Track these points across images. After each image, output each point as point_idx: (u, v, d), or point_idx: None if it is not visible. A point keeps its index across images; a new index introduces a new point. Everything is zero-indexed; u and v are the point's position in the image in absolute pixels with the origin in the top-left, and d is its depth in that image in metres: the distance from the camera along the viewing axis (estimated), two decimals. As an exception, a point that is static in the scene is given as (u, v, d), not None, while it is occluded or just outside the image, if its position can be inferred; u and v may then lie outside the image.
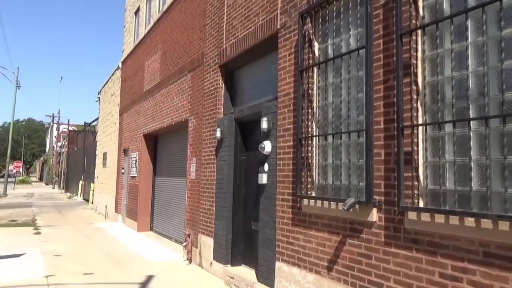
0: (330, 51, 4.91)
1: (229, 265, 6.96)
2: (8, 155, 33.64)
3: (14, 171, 44.85)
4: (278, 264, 5.42)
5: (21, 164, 51.44)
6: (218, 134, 7.24)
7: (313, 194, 4.98)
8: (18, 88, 33.69)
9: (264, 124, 5.84)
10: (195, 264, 7.97)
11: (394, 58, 3.90)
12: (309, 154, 5.02)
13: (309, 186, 5.00)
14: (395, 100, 3.86)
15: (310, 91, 5.09)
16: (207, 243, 7.58)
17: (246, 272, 6.53)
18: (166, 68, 10.75)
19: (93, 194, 21.06)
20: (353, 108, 4.49)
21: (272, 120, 5.84)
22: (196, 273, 7.43)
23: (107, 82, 19.13)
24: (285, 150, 5.44)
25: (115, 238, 11.25)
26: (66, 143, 41.50)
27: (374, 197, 3.99)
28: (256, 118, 6.56)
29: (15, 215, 16.73)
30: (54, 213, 17.85)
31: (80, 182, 27.23)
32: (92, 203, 20.88)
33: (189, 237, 8.22)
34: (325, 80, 4.91)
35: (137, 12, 14.88)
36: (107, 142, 18.34)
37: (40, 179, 73.36)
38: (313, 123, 5.07)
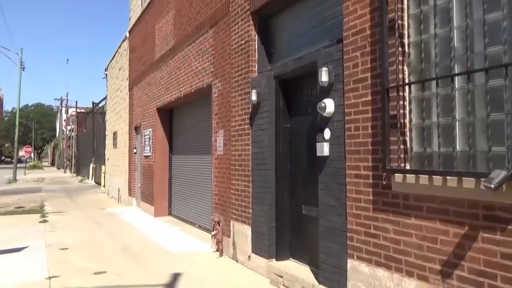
0: (433, -43, 3.38)
1: (274, 260, 5.59)
2: (16, 139, 32.53)
3: (26, 156, 43.95)
4: (352, 263, 4.02)
5: (31, 149, 50.62)
6: (253, 97, 5.78)
7: (407, 167, 3.52)
8: (23, 70, 32.38)
9: (324, 77, 4.35)
10: (227, 257, 6.62)
11: None
12: (401, 111, 3.54)
13: (401, 155, 3.54)
14: None
15: (399, 22, 3.58)
16: (242, 232, 6.20)
17: (298, 269, 5.15)
18: (181, 28, 9.23)
19: (104, 177, 19.87)
20: (479, 38, 2.99)
21: (335, 71, 4.35)
22: (232, 269, 6.07)
23: (114, 56, 17.66)
24: (359, 108, 3.96)
25: (130, 225, 9.96)
26: (75, 126, 40.33)
27: (537, 167, 2.53)
28: (306, 72, 5.08)
29: (23, 201, 15.56)
30: (63, 198, 16.66)
31: (91, 165, 26.06)
32: (104, 186, 19.70)
33: (219, 225, 6.85)
34: (425, 3, 3.39)
35: (143, -28, 13.27)
36: (116, 121, 16.99)
37: (52, 164, 72.80)
38: (405, 67, 3.57)
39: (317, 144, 4.50)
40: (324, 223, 4.48)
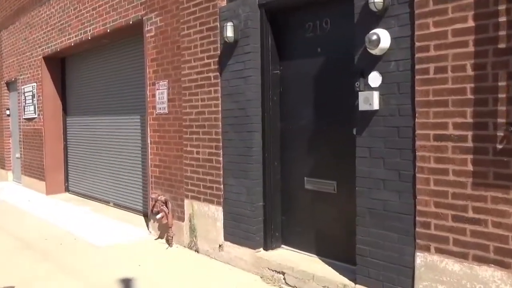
0: None
1: (261, 249, 4.27)
2: None
3: None
4: (427, 258, 2.90)
5: None
6: (228, 33, 4.19)
7: (539, 124, 2.45)
8: None
9: (378, -4, 3.02)
10: (181, 247, 5.09)
11: None
12: (539, 41, 2.42)
13: (536, 107, 2.45)
14: None
15: None
16: (207, 214, 4.72)
17: (307, 263, 3.90)
18: None
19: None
20: None
21: (393, -11, 3.04)
22: (199, 264, 4.58)
23: (-34, -9, 13.75)
24: (447, 40, 2.74)
25: (18, 208, 7.63)
26: None
27: None
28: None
29: None
30: None
31: None
32: (-41, 157, 15.88)
33: (167, 206, 5.23)
34: None
35: None
36: (-25, 75, 13.44)
37: None
38: (542, -24, 2.42)
39: (360, 94, 3.20)
40: (365, 203, 3.27)
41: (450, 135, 2.76)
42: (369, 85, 3.18)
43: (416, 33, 2.89)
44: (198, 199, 4.83)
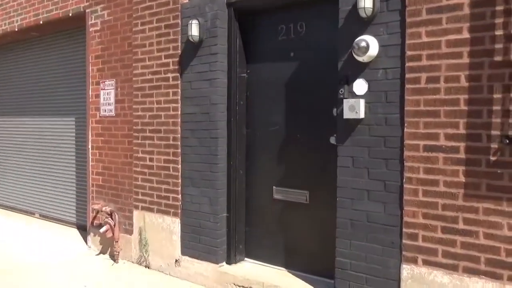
0: None
1: (224, 264, 4.00)
2: None
3: None
4: (414, 270, 2.86)
5: None
6: (194, 31, 3.90)
7: (531, 136, 2.50)
8: None
9: (367, 1, 2.93)
10: (129, 262, 4.64)
11: None
12: (534, 55, 2.47)
13: (530, 120, 2.49)
14: None
15: None
16: (162, 226, 4.34)
17: (279, 276, 3.70)
18: None
19: None
20: None
21: (381, -5, 2.98)
22: (156, 281, 4.18)
23: None
24: (441, 50, 2.72)
25: None
26: None
27: None
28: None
29: None
30: None
31: None
32: None
33: (112, 218, 4.75)
34: None
35: None
36: None
37: None
38: (536, -8, 2.48)
39: (345, 101, 3.09)
40: (347, 214, 3.16)
41: (442, 146, 2.74)
42: (353, 92, 3.09)
43: (407, 42, 2.84)
44: (151, 210, 4.44)
